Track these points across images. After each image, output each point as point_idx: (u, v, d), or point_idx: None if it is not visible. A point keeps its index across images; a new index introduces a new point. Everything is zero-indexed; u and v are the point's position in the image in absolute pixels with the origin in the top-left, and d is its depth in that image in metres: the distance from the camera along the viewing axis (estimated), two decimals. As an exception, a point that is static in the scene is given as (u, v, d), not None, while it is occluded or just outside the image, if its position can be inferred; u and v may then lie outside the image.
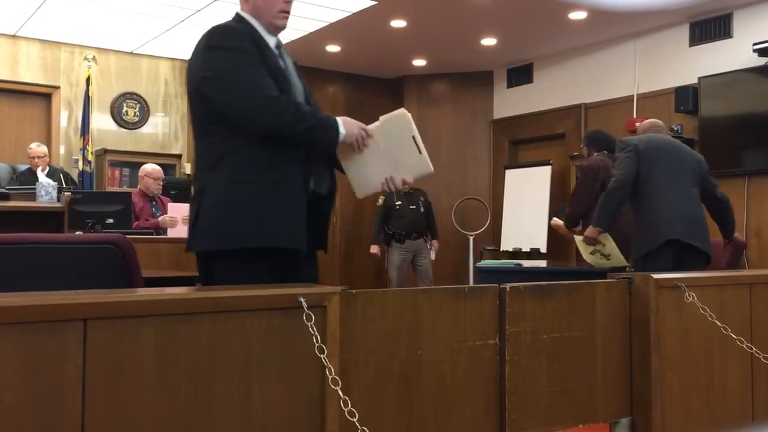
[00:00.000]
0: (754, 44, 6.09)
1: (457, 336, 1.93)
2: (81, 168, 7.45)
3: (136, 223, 5.34)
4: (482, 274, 4.91)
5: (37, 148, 6.44)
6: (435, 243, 7.49)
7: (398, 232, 7.29)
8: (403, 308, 1.83)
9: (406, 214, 7.29)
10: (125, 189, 7.60)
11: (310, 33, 7.28)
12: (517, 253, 7.94)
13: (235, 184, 2.12)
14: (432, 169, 2.33)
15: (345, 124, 2.25)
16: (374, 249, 7.34)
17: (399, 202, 7.28)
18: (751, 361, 2.43)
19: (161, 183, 5.70)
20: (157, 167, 5.74)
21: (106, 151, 7.78)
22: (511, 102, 8.66)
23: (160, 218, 5.42)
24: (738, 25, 6.46)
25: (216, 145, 2.17)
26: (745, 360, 2.43)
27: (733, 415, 2.42)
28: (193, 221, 2.21)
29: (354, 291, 1.73)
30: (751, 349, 2.36)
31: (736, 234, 4.18)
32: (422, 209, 7.36)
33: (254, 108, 2.11)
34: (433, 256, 7.46)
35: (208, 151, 2.20)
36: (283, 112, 2.12)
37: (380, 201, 7.37)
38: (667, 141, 4.01)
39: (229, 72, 2.13)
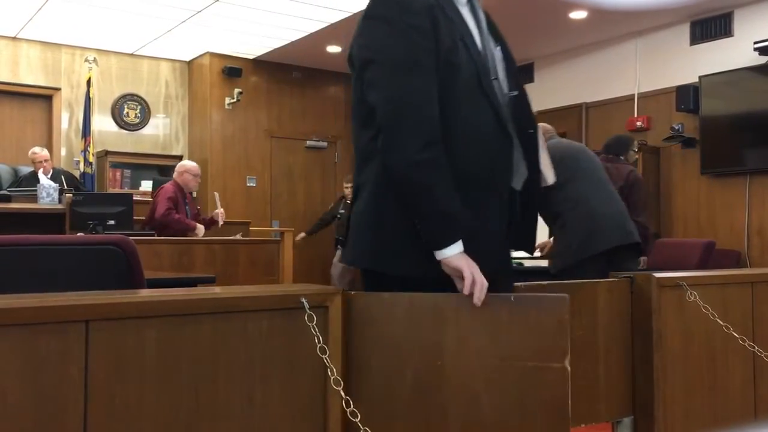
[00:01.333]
0: (755, 43, 6.09)
1: (498, 353, 1.65)
2: (82, 170, 7.46)
3: (177, 216, 5.45)
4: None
5: (41, 152, 6.44)
6: None
7: (340, 238, 7.62)
8: (415, 314, 1.70)
9: (345, 221, 7.61)
10: (126, 190, 7.61)
11: (311, 33, 7.28)
12: (518, 253, 7.93)
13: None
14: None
15: (462, 252, 1.63)
16: (300, 236, 7.82)
17: (342, 210, 7.77)
18: (754, 360, 2.43)
19: (199, 180, 5.89)
20: (196, 164, 5.92)
21: (107, 153, 7.79)
22: (511, 102, 8.64)
23: (214, 213, 5.86)
24: (739, 23, 6.45)
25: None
26: (747, 359, 2.43)
27: (736, 414, 2.42)
28: (359, 229, 1.79)
29: (353, 292, 1.73)
30: (753, 347, 2.35)
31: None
32: None
33: (388, 114, 1.64)
34: None
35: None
36: (414, 135, 1.61)
37: (330, 207, 8.01)
38: (575, 145, 3.99)
39: (379, 57, 1.68)
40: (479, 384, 1.62)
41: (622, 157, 4.85)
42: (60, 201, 5.30)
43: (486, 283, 1.59)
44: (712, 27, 6.65)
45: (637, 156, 5.48)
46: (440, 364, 1.63)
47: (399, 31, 1.66)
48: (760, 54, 6.12)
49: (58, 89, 7.79)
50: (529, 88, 8.43)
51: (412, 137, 1.60)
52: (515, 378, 1.62)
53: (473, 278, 1.58)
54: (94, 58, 7.80)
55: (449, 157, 1.64)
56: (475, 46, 1.76)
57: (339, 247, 7.82)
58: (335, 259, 7.88)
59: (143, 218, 5.62)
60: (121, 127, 8.11)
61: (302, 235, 7.87)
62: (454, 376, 1.63)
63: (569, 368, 1.60)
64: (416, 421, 1.66)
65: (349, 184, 7.75)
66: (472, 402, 1.63)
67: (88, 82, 7.58)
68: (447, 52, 1.67)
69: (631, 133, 7.27)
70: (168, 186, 5.63)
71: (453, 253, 1.61)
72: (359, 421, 1.54)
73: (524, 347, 1.62)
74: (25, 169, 6.68)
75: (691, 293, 2.30)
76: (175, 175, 5.77)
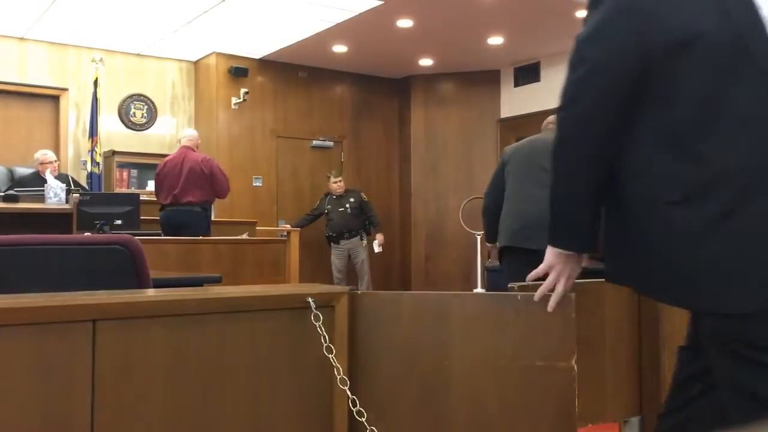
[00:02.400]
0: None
1: (506, 353, 1.64)
2: (89, 170, 7.48)
3: None
4: (491, 273, 4.89)
5: (50, 155, 6.44)
6: (379, 237, 7.94)
7: (331, 234, 7.91)
8: (422, 313, 1.73)
9: (333, 217, 7.85)
10: (133, 190, 7.63)
11: (317, 33, 7.29)
12: (524, 253, 7.92)
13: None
14: None
15: (570, 252, 1.56)
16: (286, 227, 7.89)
17: (329, 206, 7.89)
18: (762, 360, 2.42)
19: None
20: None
21: (114, 153, 7.81)
22: (518, 101, 8.64)
23: None
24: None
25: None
26: (756, 359, 2.41)
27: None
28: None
29: (359, 291, 1.73)
30: (762, 347, 2.34)
31: None
32: (350, 210, 7.83)
33: (570, 89, 1.55)
34: (377, 249, 7.95)
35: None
36: (585, 124, 1.47)
37: (317, 203, 8.09)
38: (529, 142, 3.90)
39: (591, 35, 1.51)
40: (486, 384, 1.63)
41: None
42: (67, 201, 5.32)
43: None
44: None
45: None
46: (447, 363, 1.64)
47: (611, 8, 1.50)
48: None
49: (65, 89, 7.81)
50: (536, 88, 8.38)
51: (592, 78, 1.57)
52: (522, 378, 1.61)
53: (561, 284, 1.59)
54: (101, 58, 7.82)
55: None
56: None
57: (331, 243, 7.91)
58: (337, 258, 7.92)
59: (202, 200, 5.78)
60: (127, 127, 8.13)
61: (287, 227, 7.90)
62: (460, 376, 1.64)
63: (576, 367, 1.59)
64: (423, 420, 1.67)
65: (337, 179, 7.83)
66: (479, 402, 1.63)
67: (95, 82, 7.59)
68: None
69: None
70: (209, 157, 6.09)
71: (569, 251, 1.57)
72: (366, 420, 1.54)
73: (531, 346, 1.61)
74: (22, 171, 6.65)
75: (698, 293, 2.29)
76: (195, 147, 6.09)
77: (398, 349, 1.70)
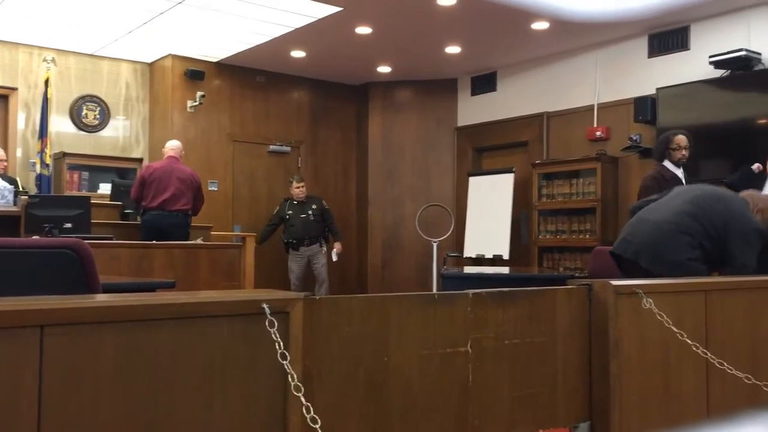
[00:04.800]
0: (711, 56, 6.25)
1: (427, 343, 1.91)
2: (39, 171, 7.31)
3: None
4: (446, 280, 4.94)
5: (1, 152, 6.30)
6: (337, 245, 7.92)
7: (291, 241, 7.74)
8: (369, 315, 1.82)
9: (295, 223, 7.70)
10: (84, 193, 7.46)
11: (275, 38, 7.26)
12: (480, 260, 8.00)
13: None
14: None
15: None
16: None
17: (290, 212, 7.74)
18: (706, 366, 2.49)
19: None
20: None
21: (64, 155, 7.64)
22: (475, 110, 8.74)
23: None
24: (695, 37, 6.62)
25: None
26: (700, 365, 2.48)
27: (689, 420, 2.47)
28: None
29: (316, 297, 1.73)
30: (706, 354, 2.41)
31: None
32: (312, 217, 7.73)
33: None
34: (335, 258, 7.90)
35: None
36: None
37: (275, 210, 7.88)
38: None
39: None
40: (414, 373, 1.88)
41: (664, 162, 4.75)
42: (15, 203, 5.18)
43: None
44: (669, 40, 6.81)
45: (681, 155, 4.78)
46: (386, 360, 1.83)
47: None
48: (715, 67, 6.29)
49: (14, 89, 7.61)
50: (492, 97, 8.53)
51: None
52: (437, 364, 1.93)
53: None
54: (53, 58, 7.65)
55: None
56: None
57: (290, 250, 7.77)
58: (295, 264, 7.77)
59: (188, 209, 6.10)
60: (79, 128, 7.96)
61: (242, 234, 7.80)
62: (396, 369, 1.85)
63: (471, 351, 1.99)
64: (367, 414, 1.79)
65: (300, 184, 7.74)
66: (408, 390, 1.87)
67: (46, 82, 7.43)
68: None
69: (591, 143, 7.41)
70: (195, 173, 6.32)
71: None
72: (319, 427, 1.53)
73: (443, 337, 1.95)
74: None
75: (646, 301, 2.34)
76: (179, 157, 6.29)
77: (348, 351, 1.78)
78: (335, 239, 7.91)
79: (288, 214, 7.73)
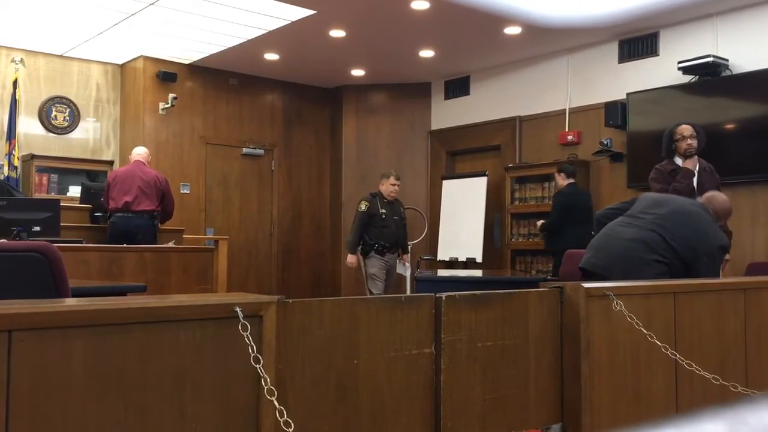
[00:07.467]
0: (679, 62, 6.36)
1: (394, 345, 1.92)
2: (6, 174, 7.17)
3: None
4: (419, 283, 4.95)
5: None
6: (406, 257, 6.96)
7: (381, 244, 6.48)
8: (340, 318, 1.83)
9: (389, 224, 6.52)
10: (53, 196, 7.35)
11: (249, 40, 7.22)
12: (453, 263, 8.03)
13: None
14: None
15: None
16: (352, 259, 6.57)
17: (384, 211, 6.51)
18: (675, 367, 2.53)
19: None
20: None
21: (33, 157, 7.51)
22: (448, 113, 8.78)
23: None
24: (664, 43, 6.73)
25: None
26: (669, 366, 2.52)
27: (658, 419, 2.51)
28: None
29: (290, 300, 1.72)
30: (675, 355, 2.45)
31: None
32: (404, 220, 6.77)
33: None
34: (406, 272, 6.90)
35: None
36: None
37: (363, 207, 6.52)
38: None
39: None
40: (382, 375, 1.91)
41: (674, 157, 4.60)
42: (-19, 206, 5.08)
43: None
44: (639, 46, 6.91)
45: (687, 145, 4.53)
46: (356, 362, 1.85)
47: None
48: (683, 73, 6.40)
49: (-19, 90, 7.48)
50: (465, 101, 8.56)
51: None
52: (403, 365, 1.95)
53: None
54: (21, 58, 7.53)
55: None
56: None
57: (372, 254, 6.50)
58: (381, 270, 6.52)
59: (154, 209, 6.00)
60: (48, 130, 7.83)
61: (352, 258, 6.60)
62: (365, 372, 1.87)
63: (435, 352, 2.00)
64: (339, 417, 1.81)
65: (398, 181, 6.65)
66: (377, 392, 1.89)
67: (15, 83, 7.30)
68: None
69: (563, 147, 7.49)
70: (163, 176, 6.28)
71: None
72: (293, 431, 1.53)
73: (409, 339, 1.96)
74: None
75: (617, 303, 2.38)
76: (147, 162, 6.26)
77: (320, 354, 1.78)
78: (404, 251, 6.82)
79: (383, 213, 6.50)
